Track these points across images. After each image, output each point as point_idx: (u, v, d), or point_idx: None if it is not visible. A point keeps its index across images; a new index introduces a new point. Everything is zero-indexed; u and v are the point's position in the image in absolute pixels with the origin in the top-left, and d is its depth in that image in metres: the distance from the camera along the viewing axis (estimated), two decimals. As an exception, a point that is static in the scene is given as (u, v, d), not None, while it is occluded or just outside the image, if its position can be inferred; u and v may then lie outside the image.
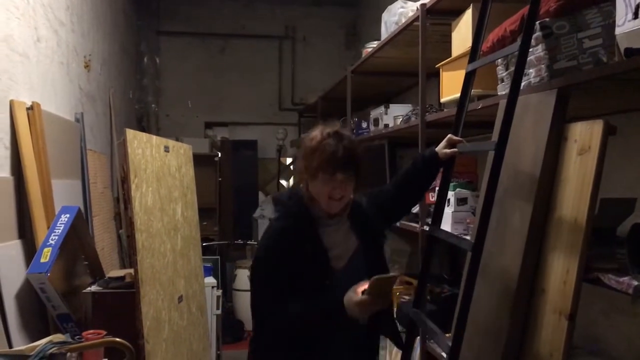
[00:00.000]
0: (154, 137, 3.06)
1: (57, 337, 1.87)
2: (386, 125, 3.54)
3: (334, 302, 1.72)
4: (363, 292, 1.69)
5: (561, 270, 1.64)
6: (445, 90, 2.65)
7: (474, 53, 2.00)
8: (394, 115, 3.47)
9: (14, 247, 2.84)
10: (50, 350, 1.74)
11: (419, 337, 2.71)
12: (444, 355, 2.54)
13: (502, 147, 1.63)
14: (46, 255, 2.81)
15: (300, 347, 1.83)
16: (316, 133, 1.84)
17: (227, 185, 6.70)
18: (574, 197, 1.66)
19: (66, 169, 3.61)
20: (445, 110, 2.71)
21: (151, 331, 2.66)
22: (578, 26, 1.69)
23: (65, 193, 3.47)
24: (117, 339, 1.88)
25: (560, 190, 1.72)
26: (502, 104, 2.01)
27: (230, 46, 6.91)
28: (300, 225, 1.84)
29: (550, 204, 1.75)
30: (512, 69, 2.00)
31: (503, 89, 2.10)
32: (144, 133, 2.94)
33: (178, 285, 3.13)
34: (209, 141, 6.72)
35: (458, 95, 2.25)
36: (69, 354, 1.83)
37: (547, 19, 1.76)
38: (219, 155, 6.69)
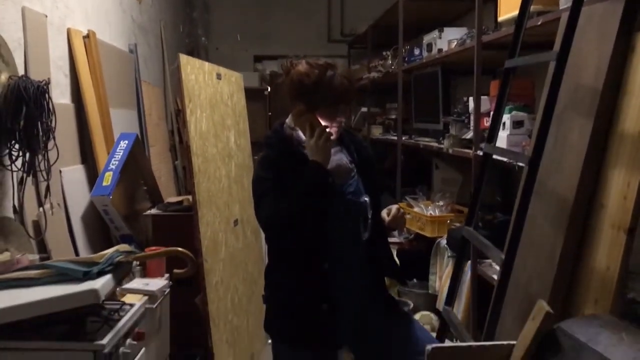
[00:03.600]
0: (206, 63, 3.09)
1: (123, 247, 1.98)
2: (440, 50, 3.44)
3: (308, 171, 1.79)
4: None
5: (622, 184, 1.60)
6: (503, 7, 2.54)
7: (535, -37, 1.90)
8: (448, 39, 3.37)
9: (78, 171, 2.98)
10: (118, 258, 1.85)
11: (469, 262, 2.72)
12: (495, 277, 2.55)
13: (564, 56, 1.56)
14: (108, 179, 2.93)
15: (303, 272, 1.86)
16: (307, 68, 1.85)
17: (277, 119, 6.72)
18: (638, 110, 1.59)
19: (122, 99, 3.70)
20: (503, 29, 2.60)
21: (209, 250, 2.77)
22: None
23: (123, 122, 3.57)
24: (180, 249, 1.97)
25: (625, 103, 1.66)
26: (564, 17, 1.92)
27: (278, -23, 6.79)
28: (282, 150, 1.90)
29: (613, 117, 1.69)
30: (576, -22, 1.89)
31: (565, 3, 2.00)
32: (196, 59, 2.97)
33: (233, 209, 3.22)
34: (259, 75, 6.72)
35: (517, 12, 2.15)
36: (134, 262, 1.94)
37: None
38: (269, 90, 6.69)
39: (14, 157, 2.24)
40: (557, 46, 1.86)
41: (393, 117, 5.12)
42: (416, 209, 3.65)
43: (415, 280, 3.74)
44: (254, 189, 1.90)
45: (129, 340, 1.89)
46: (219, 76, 3.22)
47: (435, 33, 3.50)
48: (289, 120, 1.97)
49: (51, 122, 2.33)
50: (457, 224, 3.37)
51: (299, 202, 1.78)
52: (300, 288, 1.86)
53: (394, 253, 3.79)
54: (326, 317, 1.84)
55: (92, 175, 3.06)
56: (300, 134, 1.90)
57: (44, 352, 1.72)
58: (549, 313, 1.38)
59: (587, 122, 1.74)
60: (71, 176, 2.85)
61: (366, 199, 1.90)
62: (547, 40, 2.10)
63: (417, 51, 3.94)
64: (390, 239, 3.80)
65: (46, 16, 2.69)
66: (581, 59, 1.81)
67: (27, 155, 2.27)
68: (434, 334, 2.39)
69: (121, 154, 3.07)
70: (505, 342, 1.48)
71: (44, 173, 2.36)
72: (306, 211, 1.78)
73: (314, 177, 1.79)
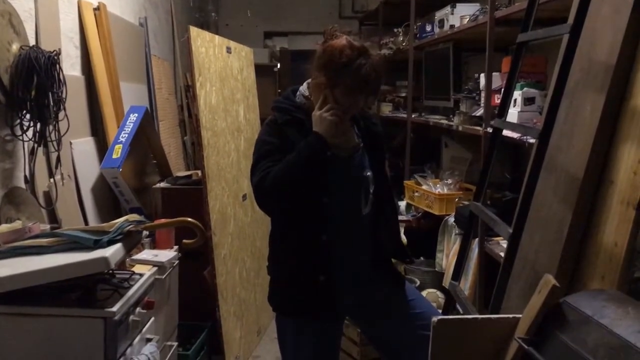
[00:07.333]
0: (217, 37, 3.08)
1: (133, 216, 2.00)
2: (452, 27, 3.40)
3: (307, 141, 1.74)
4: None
5: (632, 160, 1.59)
6: (517, -18, 2.51)
7: None
8: (460, 15, 3.33)
9: (88, 143, 2.99)
10: (128, 227, 1.87)
11: (477, 240, 2.73)
12: (502, 255, 2.56)
13: (578, 29, 1.54)
14: (117, 152, 2.95)
15: (302, 243, 1.85)
16: (342, 46, 1.76)
17: (286, 96, 6.71)
18: (652, 85, 1.57)
19: (132, 73, 3.70)
20: (516, 4, 2.57)
21: (218, 224, 2.79)
22: None
23: (133, 96, 3.58)
24: (189, 219, 1.99)
25: (638, 79, 1.64)
26: (579, -10, 1.89)
27: (289, -49, 6.71)
28: (290, 116, 1.85)
29: (626, 93, 1.67)
30: (592, -49, 1.86)
31: (581, -24, 1.97)
32: (206, 32, 2.96)
33: (242, 184, 3.24)
34: (269, 51, 6.68)
35: (531, -15, 2.12)
36: (144, 232, 1.96)
37: None
38: (278, 66, 6.67)
39: (25, 127, 2.25)
40: (570, 19, 1.83)
41: (403, 94, 5.09)
42: (424, 187, 3.65)
43: (422, 258, 3.75)
44: (254, 151, 1.87)
45: (138, 309, 1.91)
46: (229, 50, 3.21)
47: (448, 9, 3.46)
48: (302, 88, 1.91)
49: (62, 92, 2.34)
50: (466, 202, 3.37)
51: (290, 171, 1.73)
52: (299, 259, 1.85)
53: (402, 230, 3.82)
54: (323, 288, 1.82)
55: (102, 148, 3.08)
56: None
57: (55, 318, 1.75)
58: (555, 286, 1.38)
59: (599, 97, 1.72)
60: (81, 148, 2.87)
61: (369, 173, 1.89)
62: (561, 16, 2.08)
63: (428, 27, 3.90)
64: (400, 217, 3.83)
65: (57, -13, 2.69)
66: (595, 34, 1.79)
67: (38, 125, 2.29)
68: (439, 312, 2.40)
69: (131, 127, 3.08)
70: (511, 315, 1.49)
71: (54, 144, 2.37)
72: (296, 181, 1.74)
73: (311, 148, 1.74)
